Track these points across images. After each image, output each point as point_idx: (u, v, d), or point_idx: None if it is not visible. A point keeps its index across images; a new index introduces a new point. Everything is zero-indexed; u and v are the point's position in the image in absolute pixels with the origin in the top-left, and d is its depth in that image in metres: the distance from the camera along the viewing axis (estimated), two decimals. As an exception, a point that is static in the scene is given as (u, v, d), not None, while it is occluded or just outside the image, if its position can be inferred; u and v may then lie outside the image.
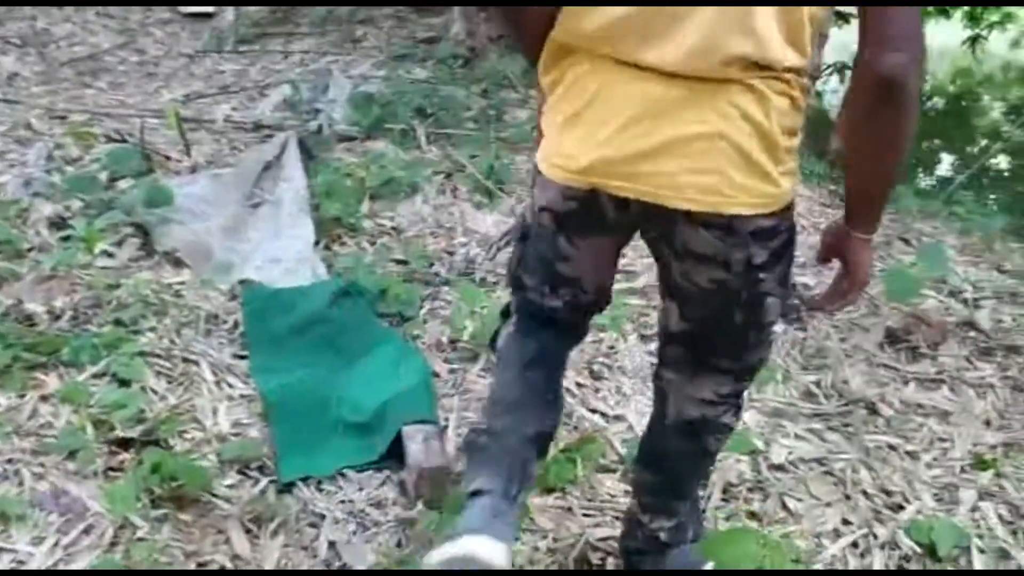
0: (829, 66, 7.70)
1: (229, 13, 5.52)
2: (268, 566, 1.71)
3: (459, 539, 1.36)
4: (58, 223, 2.78)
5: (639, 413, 2.24)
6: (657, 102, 1.23)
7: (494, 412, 1.55)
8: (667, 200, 1.26)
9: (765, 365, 1.53)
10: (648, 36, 1.21)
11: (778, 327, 2.64)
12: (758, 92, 1.21)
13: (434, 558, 1.35)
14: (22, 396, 2.05)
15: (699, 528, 1.72)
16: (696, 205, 1.25)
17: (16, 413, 2.00)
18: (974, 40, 9.91)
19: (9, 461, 1.87)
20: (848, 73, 6.21)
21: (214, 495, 1.84)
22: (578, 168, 1.30)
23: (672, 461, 1.60)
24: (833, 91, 7.46)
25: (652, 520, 1.64)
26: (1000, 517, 1.96)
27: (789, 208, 1.32)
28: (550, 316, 1.51)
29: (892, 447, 2.19)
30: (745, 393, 1.56)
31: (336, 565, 1.73)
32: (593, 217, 1.36)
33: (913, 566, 1.80)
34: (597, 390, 2.33)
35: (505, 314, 1.62)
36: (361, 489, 1.93)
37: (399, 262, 2.87)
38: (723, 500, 1.97)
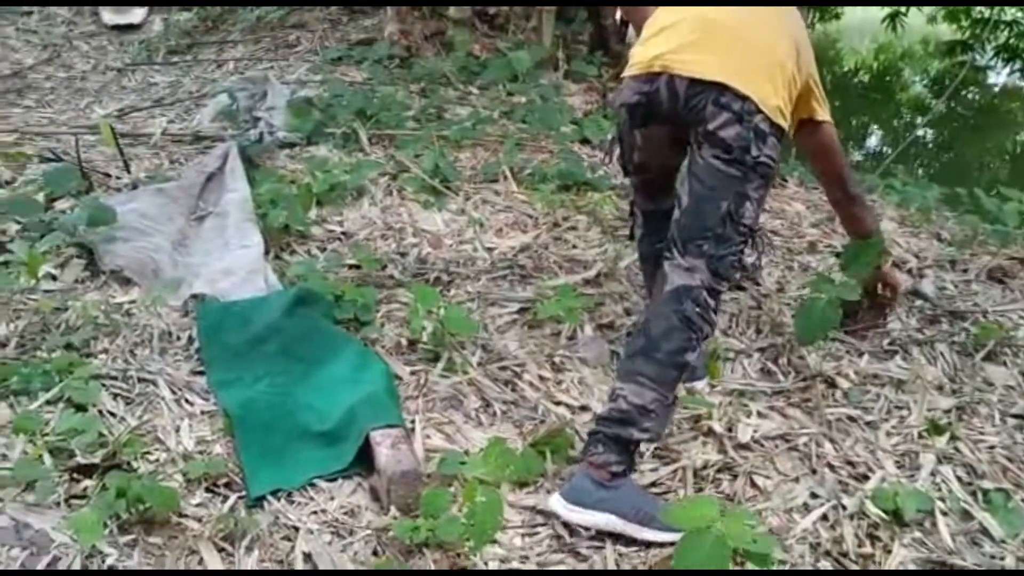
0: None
1: (157, 23, 5.39)
2: (245, 583, 1.68)
3: None
4: (-5, 248, 2.68)
5: (603, 402, 2.25)
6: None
7: None
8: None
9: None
10: None
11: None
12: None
13: None
14: (-26, 428, 1.98)
15: (662, 428, 1.93)
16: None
17: (-31, 447, 1.93)
18: (893, 17, 10.18)
19: (-36, 497, 1.80)
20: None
21: (183, 515, 1.79)
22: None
23: (654, 321, 1.93)
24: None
25: (621, 389, 1.89)
26: (959, 479, 2.03)
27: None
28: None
29: (852, 419, 2.25)
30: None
31: (314, 577, 1.71)
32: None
33: (882, 534, 1.85)
34: (559, 382, 2.35)
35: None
36: (333, 498, 1.91)
37: (351, 267, 2.84)
38: (695, 488, 2.00)
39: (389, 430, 1.98)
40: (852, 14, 11.80)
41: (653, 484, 2.01)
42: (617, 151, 2.26)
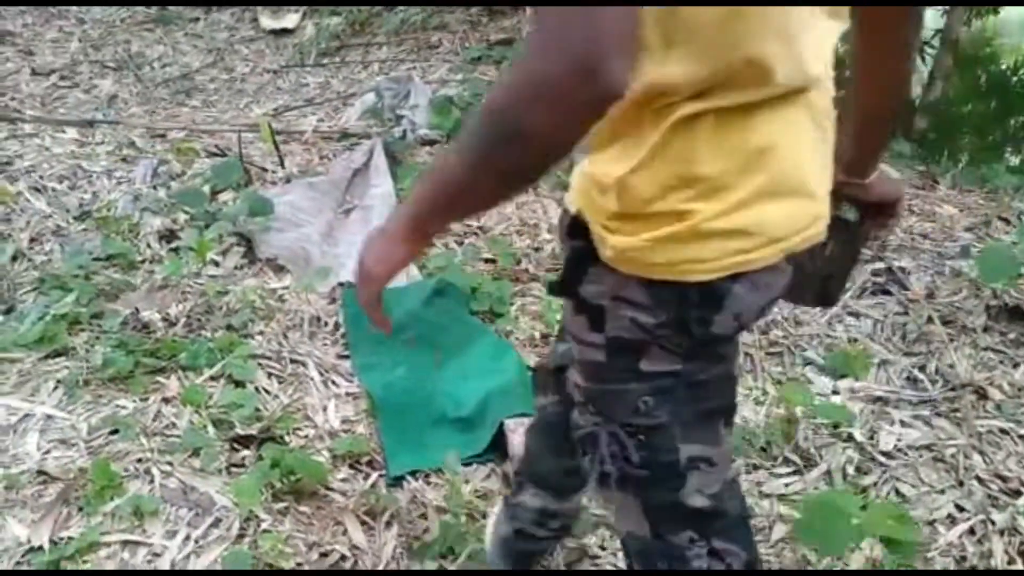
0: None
1: (309, 28, 5.67)
2: (384, 556, 1.78)
3: None
4: (167, 235, 2.92)
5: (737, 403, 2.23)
6: None
7: None
8: None
9: None
10: None
11: (876, 313, 2.60)
12: None
13: None
14: (145, 399, 2.16)
15: None
16: None
17: (141, 415, 2.11)
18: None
19: (139, 460, 1.98)
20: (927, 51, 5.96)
21: (329, 488, 1.91)
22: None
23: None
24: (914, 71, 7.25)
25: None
26: (1124, 500, 1.90)
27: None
28: None
29: (1004, 431, 2.14)
30: None
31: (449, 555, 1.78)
32: None
33: (1035, 551, 1.76)
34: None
35: None
36: (467, 482, 1.98)
37: (487, 260, 2.92)
38: (825, 484, 1.95)
39: (522, 419, 2.03)
40: (1012, 8, 11.06)
41: (795, 492, 1.97)
42: None
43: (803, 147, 0.94)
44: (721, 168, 0.90)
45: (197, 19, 5.64)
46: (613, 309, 0.99)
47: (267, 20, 5.83)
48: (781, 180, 0.92)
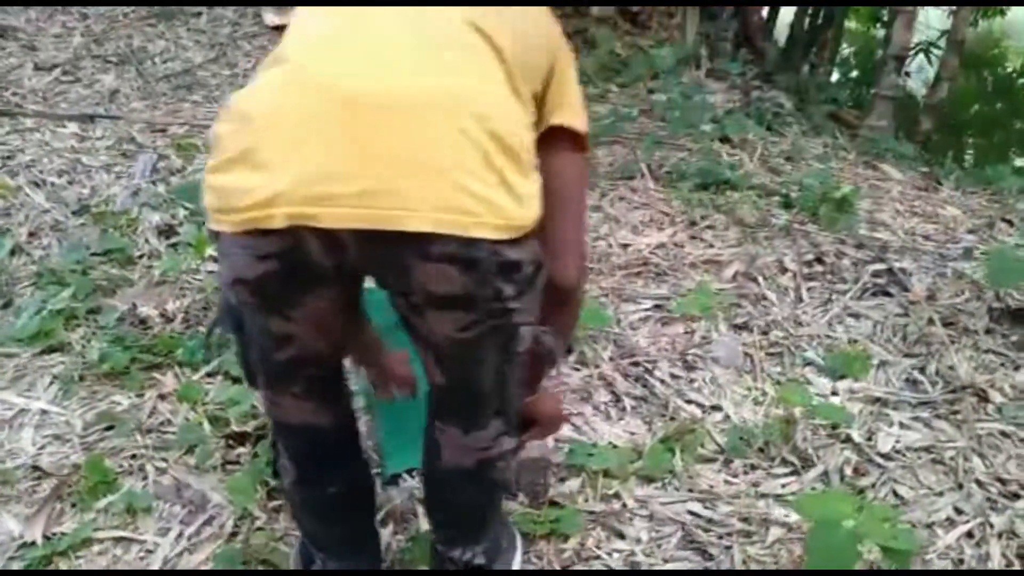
0: (916, 45, 7.46)
1: (312, 23, 5.68)
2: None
3: None
4: (165, 231, 2.91)
5: (735, 403, 2.22)
6: None
7: None
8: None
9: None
10: None
11: (879, 315, 2.59)
12: None
13: None
14: (141, 395, 2.16)
15: (511, 536, 1.67)
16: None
17: (137, 411, 2.11)
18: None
19: (133, 456, 1.97)
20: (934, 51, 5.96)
21: (324, 487, 1.90)
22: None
23: (462, 507, 1.47)
24: (918, 71, 7.21)
25: (463, 553, 1.51)
26: (1124, 505, 1.88)
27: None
28: None
29: (1005, 434, 2.12)
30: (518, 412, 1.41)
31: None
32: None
33: (1033, 555, 1.75)
34: (692, 380, 2.32)
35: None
36: (464, 480, 1.97)
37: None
38: (823, 485, 1.94)
39: (520, 418, 2.02)
40: (1019, 9, 11.02)
41: (791, 492, 1.95)
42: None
43: None
44: None
45: (200, 14, 5.62)
46: None
47: (270, 16, 5.82)
48: None
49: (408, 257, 1.08)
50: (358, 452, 1.50)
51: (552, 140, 1.28)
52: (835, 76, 9.35)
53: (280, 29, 5.75)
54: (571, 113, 1.31)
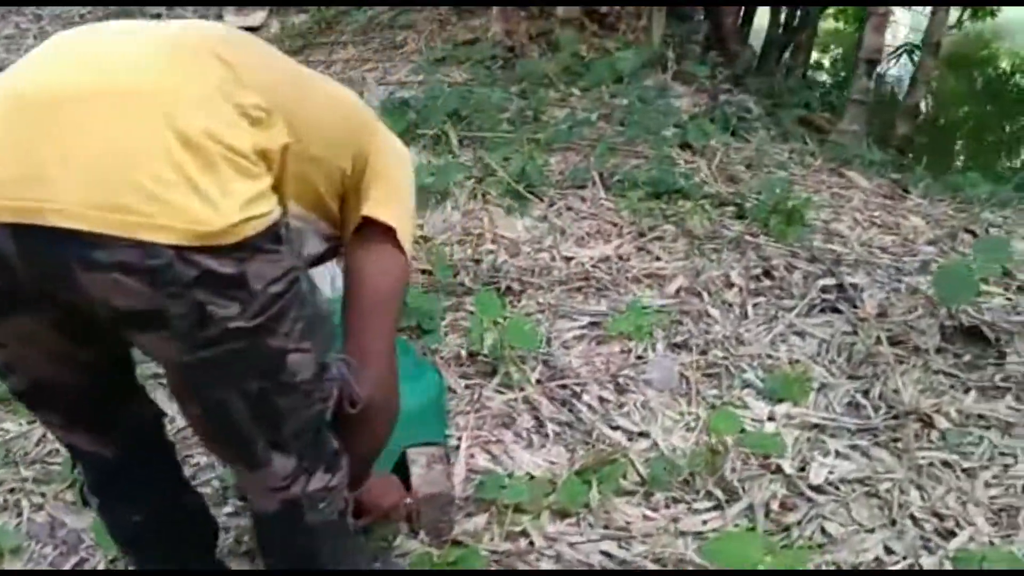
0: (897, 48, 7.35)
1: (275, 26, 5.55)
2: None
3: None
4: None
5: (664, 429, 2.10)
6: None
7: None
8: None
9: (324, 423, 1.23)
10: None
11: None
12: None
13: None
14: (32, 423, 2.03)
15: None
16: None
17: (24, 441, 1.99)
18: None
19: (11, 491, 1.85)
20: (917, 54, 5.82)
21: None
22: None
23: (289, 555, 1.32)
24: (897, 76, 7.10)
25: None
26: (1065, 545, 1.76)
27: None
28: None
29: (947, 464, 2.00)
30: (329, 448, 1.26)
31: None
32: None
33: (962, 602, 1.62)
34: (621, 405, 2.20)
35: None
36: (366, 515, 1.85)
37: (423, 271, 2.78)
38: (747, 521, 1.82)
39: (427, 448, 1.89)
40: (1010, 10, 10.92)
41: (712, 529, 1.83)
42: None
43: None
44: None
45: (159, 15, 5.51)
46: None
47: (232, 17, 5.70)
48: None
49: (71, 263, 0.92)
50: (166, 481, 1.36)
51: (362, 233, 1.25)
52: (825, 79, 9.25)
53: (241, 31, 5.64)
54: (382, 206, 1.25)
